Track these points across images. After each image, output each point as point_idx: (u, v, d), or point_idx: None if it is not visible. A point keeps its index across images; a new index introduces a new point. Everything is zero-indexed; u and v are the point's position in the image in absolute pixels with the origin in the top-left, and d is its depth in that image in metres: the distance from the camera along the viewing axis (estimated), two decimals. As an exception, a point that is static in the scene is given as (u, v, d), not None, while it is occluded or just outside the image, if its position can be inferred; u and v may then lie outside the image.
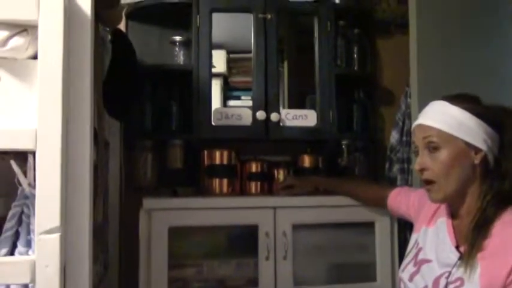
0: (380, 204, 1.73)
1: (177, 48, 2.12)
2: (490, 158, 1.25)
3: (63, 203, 0.96)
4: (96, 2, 1.10)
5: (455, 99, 1.29)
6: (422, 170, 1.29)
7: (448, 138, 1.25)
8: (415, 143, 1.33)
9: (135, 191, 2.02)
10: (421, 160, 1.29)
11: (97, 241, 1.42)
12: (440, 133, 1.25)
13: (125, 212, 2.09)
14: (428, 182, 1.29)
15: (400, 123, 2.16)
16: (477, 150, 1.25)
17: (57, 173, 0.95)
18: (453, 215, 1.33)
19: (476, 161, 1.25)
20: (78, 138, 1.02)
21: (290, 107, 2.20)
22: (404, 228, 1.95)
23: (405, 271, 1.38)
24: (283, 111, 2.06)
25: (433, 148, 1.26)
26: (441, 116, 1.26)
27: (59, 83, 0.97)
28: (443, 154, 1.25)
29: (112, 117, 1.83)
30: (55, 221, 0.94)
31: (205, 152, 2.01)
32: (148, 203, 1.73)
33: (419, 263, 1.35)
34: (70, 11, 1.02)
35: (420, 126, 1.31)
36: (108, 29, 1.71)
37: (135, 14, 2.12)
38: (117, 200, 2.08)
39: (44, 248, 0.93)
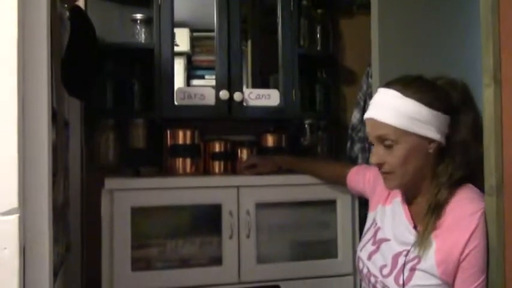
0: (340, 182, 1.76)
1: (138, 26, 2.09)
2: (443, 141, 1.27)
3: (21, 184, 0.94)
4: (52, -23, 1.07)
5: (405, 88, 1.26)
6: (380, 165, 1.30)
7: (402, 134, 1.24)
8: (369, 134, 1.32)
9: (97, 171, 2.00)
10: (377, 154, 1.29)
11: (57, 222, 1.40)
12: (395, 130, 1.24)
13: (87, 192, 2.06)
14: (385, 173, 1.31)
15: (362, 103, 2.19)
16: (431, 140, 1.26)
17: (14, 153, 0.93)
18: (408, 197, 1.36)
19: (431, 150, 1.27)
20: (35, 118, 1.00)
21: (253, 86, 2.20)
22: (366, 205, 1.99)
23: (363, 250, 1.40)
24: (247, 91, 2.06)
25: (388, 144, 1.26)
26: (394, 112, 1.25)
27: (14, 61, 0.94)
28: (399, 149, 1.25)
29: (72, 96, 1.80)
30: (13, 202, 0.92)
31: (168, 132, 2.00)
32: (110, 183, 1.71)
33: (378, 242, 1.37)
34: (25, -14, 0.99)
35: (373, 120, 1.29)
36: (66, 6, 1.67)
37: (94, -10, 2.07)
38: (79, 180, 2.05)
39: (2, 230, 0.92)
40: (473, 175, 1.27)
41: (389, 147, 1.26)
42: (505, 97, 1.11)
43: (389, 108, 1.26)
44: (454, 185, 1.26)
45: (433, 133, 1.25)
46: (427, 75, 1.34)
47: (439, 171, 1.28)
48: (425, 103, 1.24)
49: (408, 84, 1.28)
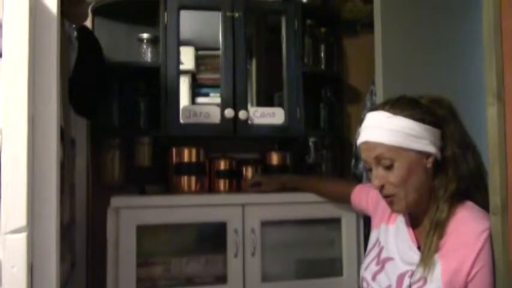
0: (345, 200, 1.76)
1: (144, 45, 2.11)
2: (438, 155, 1.27)
3: (29, 202, 0.95)
4: (62, -1, 1.09)
5: (392, 107, 1.27)
6: (381, 187, 1.29)
7: (399, 151, 1.24)
8: (365, 160, 1.31)
9: (103, 189, 2.01)
10: (378, 177, 1.28)
11: (64, 240, 1.40)
12: (390, 148, 1.24)
13: (93, 210, 2.07)
14: (388, 196, 1.29)
15: (366, 121, 2.20)
16: (428, 155, 1.26)
17: (23, 171, 0.94)
18: (412, 218, 1.35)
19: (429, 165, 1.26)
20: (45, 137, 1.01)
21: (258, 104, 2.22)
22: (370, 223, 1.99)
23: (368, 270, 1.39)
24: (251, 109, 2.07)
25: (386, 164, 1.25)
26: (386, 130, 1.25)
27: (25, 81, 0.96)
28: (398, 168, 1.25)
29: (78, 115, 1.81)
30: (21, 220, 0.94)
31: (174, 150, 2.01)
32: (116, 201, 1.72)
33: (382, 262, 1.36)
34: (35, 8, 1.01)
35: (367, 143, 1.28)
36: (74, 26, 1.69)
37: (101, 11, 2.10)
38: (85, 198, 2.06)
39: (10, 248, 0.92)
40: (470, 191, 1.27)
41: (388, 167, 1.26)
42: (508, 116, 1.12)
43: (380, 128, 1.26)
44: (453, 201, 1.25)
45: (428, 147, 1.25)
46: (431, 93, 1.35)
47: (435, 186, 1.28)
48: (415, 118, 1.25)
49: (394, 104, 1.29)
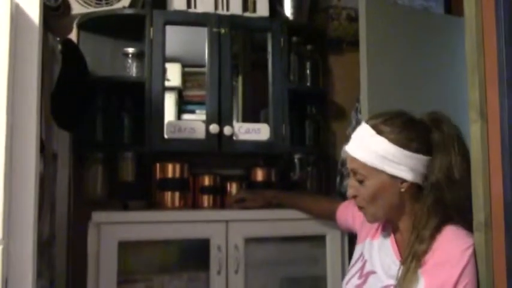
0: (330, 218, 1.75)
1: (129, 60, 2.10)
2: (419, 181, 1.26)
3: (6, 215, 0.93)
4: (45, 10, 1.08)
5: (382, 125, 1.27)
6: (354, 197, 1.33)
7: (372, 171, 1.26)
8: (347, 167, 1.36)
9: (85, 204, 1.97)
10: (351, 187, 1.32)
11: (42, 255, 1.37)
12: (364, 166, 1.26)
13: (74, 225, 2.03)
14: (359, 207, 1.34)
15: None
16: (402, 180, 1.26)
17: (0, 183, 0.92)
18: (394, 230, 1.36)
19: (403, 190, 1.26)
20: (23, 150, 1.00)
21: (244, 121, 2.21)
22: (354, 240, 1.98)
23: (349, 284, 1.38)
24: (237, 125, 2.06)
25: (359, 179, 1.29)
26: (365, 148, 1.27)
27: (3, 92, 0.94)
28: (368, 186, 1.27)
29: (61, 129, 1.79)
30: (-3, 233, 0.91)
31: (158, 165, 1.99)
32: (97, 216, 1.69)
33: (365, 275, 1.36)
34: (17, 19, 1.00)
35: (347, 154, 1.32)
36: (58, 39, 1.68)
37: (87, 25, 2.08)
38: (66, 213, 2.02)
39: (-15, 262, 0.90)
40: (453, 216, 1.26)
41: (360, 181, 1.29)
42: (491, 132, 1.13)
43: (361, 144, 1.29)
44: (438, 222, 1.24)
45: (404, 173, 1.25)
46: (415, 111, 1.35)
47: (416, 212, 1.28)
48: (398, 144, 1.24)
49: (386, 122, 1.28)
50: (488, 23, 1.15)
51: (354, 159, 1.29)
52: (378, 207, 1.29)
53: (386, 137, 1.25)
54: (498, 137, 1.10)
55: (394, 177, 1.25)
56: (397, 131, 1.26)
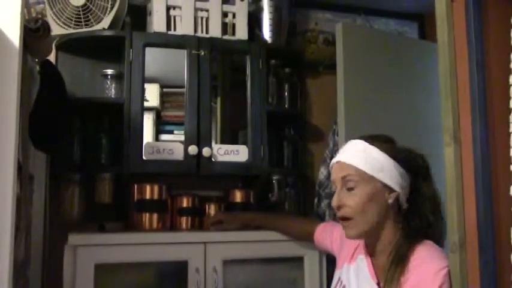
0: (308, 239, 1.76)
1: (108, 81, 2.10)
2: (402, 198, 1.33)
3: (-19, 238, 0.92)
4: (25, 32, 1.08)
5: (375, 140, 1.35)
6: (339, 207, 1.33)
7: (367, 178, 1.30)
8: (333, 180, 1.37)
9: (61, 226, 1.94)
10: (338, 197, 1.33)
11: (17, 280, 1.35)
12: (360, 172, 1.30)
13: (50, 248, 2.00)
14: (344, 219, 1.34)
15: (328, 160, 2.23)
16: (391, 190, 1.31)
17: (-24, 207, 0.91)
18: (371, 252, 1.38)
19: (390, 201, 1.31)
20: (1, 172, 0.99)
21: (222, 142, 2.22)
22: (334, 262, 1.99)
23: None
24: (215, 146, 2.07)
25: (350, 186, 1.31)
26: (362, 156, 1.32)
27: (-18, 114, 0.94)
28: (360, 192, 1.30)
29: (38, 150, 1.77)
30: (-28, 257, 0.90)
31: (135, 186, 1.98)
32: (73, 238, 1.67)
33: (343, 300, 1.37)
34: (-3, 41, 1.00)
35: (340, 163, 1.35)
36: (36, 60, 1.67)
37: (66, 46, 2.08)
38: (41, 235, 1.98)
39: (-41, 287, 0.88)
40: (427, 232, 1.32)
41: (350, 189, 1.31)
42: (464, 155, 1.16)
43: (356, 153, 1.33)
44: (414, 242, 1.29)
45: (394, 184, 1.30)
46: (391, 132, 1.41)
47: (400, 226, 1.33)
48: (389, 154, 1.32)
49: (374, 138, 1.36)
50: (460, 49, 1.18)
51: (348, 166, 1.32)
52: (363, 217, 1.30)
53: (378, 147, 1.32)
54: (471, 160, 1.13)
55: (384, 186, 1.30)
56: (386, 144, 1.35)
